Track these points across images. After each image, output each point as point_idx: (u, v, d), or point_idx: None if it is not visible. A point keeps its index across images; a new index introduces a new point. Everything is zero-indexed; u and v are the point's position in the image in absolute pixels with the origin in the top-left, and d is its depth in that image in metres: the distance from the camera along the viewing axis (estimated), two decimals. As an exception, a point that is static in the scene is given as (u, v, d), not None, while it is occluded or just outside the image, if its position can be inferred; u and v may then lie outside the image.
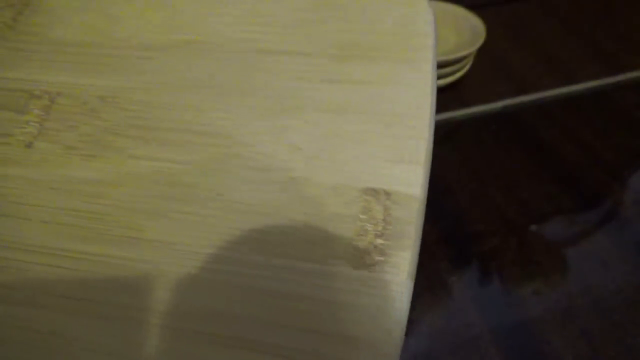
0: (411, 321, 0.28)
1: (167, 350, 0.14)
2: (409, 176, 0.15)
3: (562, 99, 0.43)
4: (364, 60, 0.17)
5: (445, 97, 0.43)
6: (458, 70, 0.43)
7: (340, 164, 0.16)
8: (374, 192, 0.15)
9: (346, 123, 0.16)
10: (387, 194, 0.15)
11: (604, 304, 0.28)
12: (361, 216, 0.15)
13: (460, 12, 0.45)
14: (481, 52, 0.43)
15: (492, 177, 0.36)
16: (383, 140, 0.16)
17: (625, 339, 0.26)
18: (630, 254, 0.31)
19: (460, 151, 0.38)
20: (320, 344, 0.13)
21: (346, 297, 0.14)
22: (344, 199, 0.15)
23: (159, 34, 0.20)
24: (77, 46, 0.20)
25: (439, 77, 0.42)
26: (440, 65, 0.41)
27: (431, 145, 0.16)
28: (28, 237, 0.16)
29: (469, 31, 0.44)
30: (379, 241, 0.14)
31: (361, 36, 0.18)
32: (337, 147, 0.16)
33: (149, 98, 0.18)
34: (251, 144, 0.17)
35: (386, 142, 0.16)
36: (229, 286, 0.14)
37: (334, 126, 0.16)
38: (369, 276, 0.14)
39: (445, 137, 0.40)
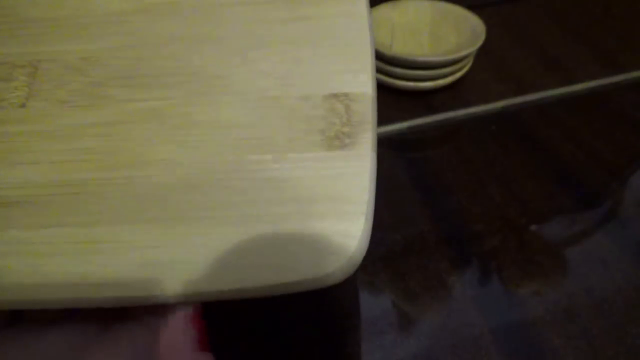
0: (411, 321, 0.28)
1: (192, 235, 0.16)
2: (360, 80, 0.19)
3: (562, 99, 0.43)
4: (310, 3, 0.21)
5: (445, 97, 0.43)
6: (458, 70, 0.43)
7: (304, 80, 0.19)
8: (334, 95, 0.19)
9: (304, 50, 0.20)
10: (345, 95, 0.19)
11: (604, 304, 0.28)
12: (327, 114, 0.18)
13: (460, 12, 0.45)
14: (481, 52, 0.43)
15: (492, 177, 0.36)
16: (335, 59, 0.20)
17: (625, 339, 0.26)
18: (630, 254, 0.31)
19: (460, 151, 0.39)
20: (311, 207, 0.16)
21: (327, 172, 0.17)
22: (312, 104, 0.19)
23: (126, 1, 0.22)
24: (49, 20, 0.22)
25: (439, 77, 0.42)
26: (440, 65, 0.41)
27: (374, 57, 0.20)
28: (41, 176, 0.18)
29: (469, 31, 0.44)
30: (346, 129, 0.18)
31: None
32: (300, 68, 0.20)
33: (128, 54, 0.21)
34: (227, 76, 0.20)
35: (338, 59, 0.20)
36: (234, 181, 0.17)
37: (294, 53, 0.20)
38: (343, 154, 0.17)
39: (445, 137, 0.40)
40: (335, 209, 0.16)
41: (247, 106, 0.19)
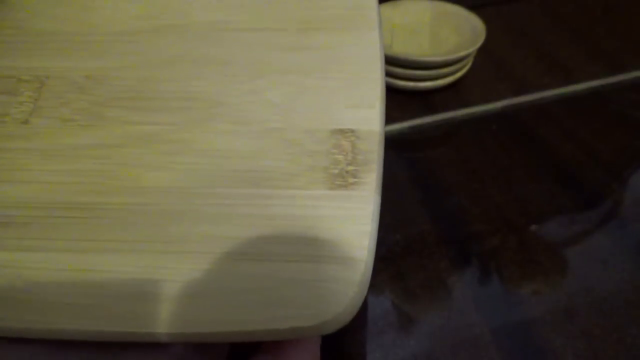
0: (411, 321, 0.28)
1: (182, 270, 0.16)
2: (367, 116, 0.18)
3: (562, 99, 0.43)
4: (322, 31, 0.21)
5: (445, 97, 0.43)
6: (458, 70, 0.43)
7: (311, 113, 0.19)
8: (341, 131, 0.18)
9: (312, 80, 0.19)
10: (352, 131, 0.18)
11: (604, 304, 0.28)
12: (332, 150, 0.18)
13: (460, 12, 0.45)
14: (481, 52, 0.43)
15: (492, 177, 0.36)
16: (344, 92, 0.19)
17: (625, 339, 0.26)
18: (630, 254, 0.31)
19: (460, 151, 0.39)
20: (309, 249, 0.16)
21: (328, 212, 0.16)
22: (317, 139, 0.18)
23: (136, 20, 0.22)
24: (58, 34, 0.22)
25: (439, 77, 0.42)
26: (440, 65, 0.41)
27: (384, 92, 0.19)
28: (34, 197, 0.17)
29: (469, 31, 0.44)
30: (350, 167, 0.17)
31: (318, 12, 0.21)
32: (307, 100, 0.19)
33: (133, 74, 0.20)
34: (231, 104, 0.19)
35: (347, 92, 0.19)
36: (229, 215, 0.17)
37: (302, 84, 0.19)
38: (345, 194, 0.16)
39: (445, 137, 0.40)
40: (334, 253, 0.15)
41: (249, 136, 0.18)
